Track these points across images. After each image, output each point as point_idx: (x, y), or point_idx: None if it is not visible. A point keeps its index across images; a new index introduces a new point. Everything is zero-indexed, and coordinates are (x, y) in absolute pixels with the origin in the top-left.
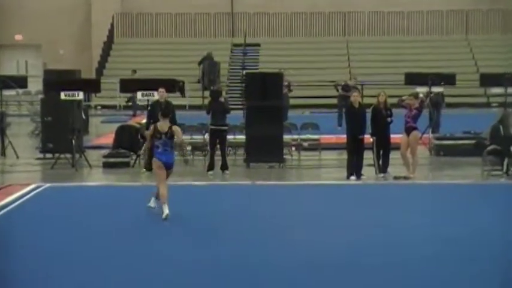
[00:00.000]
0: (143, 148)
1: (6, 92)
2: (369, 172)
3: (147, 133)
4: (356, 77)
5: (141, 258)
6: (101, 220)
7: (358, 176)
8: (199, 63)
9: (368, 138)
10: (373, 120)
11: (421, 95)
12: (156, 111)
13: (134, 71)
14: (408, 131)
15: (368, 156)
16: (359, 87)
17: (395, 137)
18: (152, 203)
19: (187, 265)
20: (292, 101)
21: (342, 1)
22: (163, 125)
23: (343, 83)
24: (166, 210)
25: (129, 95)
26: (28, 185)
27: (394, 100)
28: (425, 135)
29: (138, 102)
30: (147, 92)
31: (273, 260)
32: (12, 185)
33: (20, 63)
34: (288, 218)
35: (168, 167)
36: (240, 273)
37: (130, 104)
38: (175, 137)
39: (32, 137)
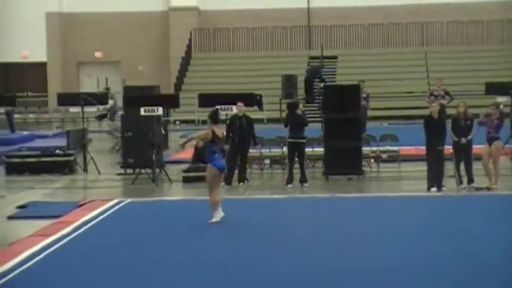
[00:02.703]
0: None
1: (87, 109)
2: (450, 183)
3: (202, 134)
4: (441, 80)
5: (225, 271)
6: (181, 234)
7: (439, 187)
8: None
9: (448, 149)
10: (453, 131)
11: (501, 106)
12: (234, 125)
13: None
14: (490, 141)
15: (449, 167)
16: (448, 90)
17: (477, 148)
18: (214, 218)
19: (273, 277)
20: (370, 113)
21: (419, 12)
22: (219, 130)
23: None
24: (221, 213)
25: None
26: (110, 200)
27: (474, 110)
28: (507, 146)
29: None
30: (226, 106)
31: (354, 269)
32: (94, 201)
33: (99, 80)
34: (368, 229)
35: (222, 170)
36: (323, 284)
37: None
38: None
39: (113, 153)
